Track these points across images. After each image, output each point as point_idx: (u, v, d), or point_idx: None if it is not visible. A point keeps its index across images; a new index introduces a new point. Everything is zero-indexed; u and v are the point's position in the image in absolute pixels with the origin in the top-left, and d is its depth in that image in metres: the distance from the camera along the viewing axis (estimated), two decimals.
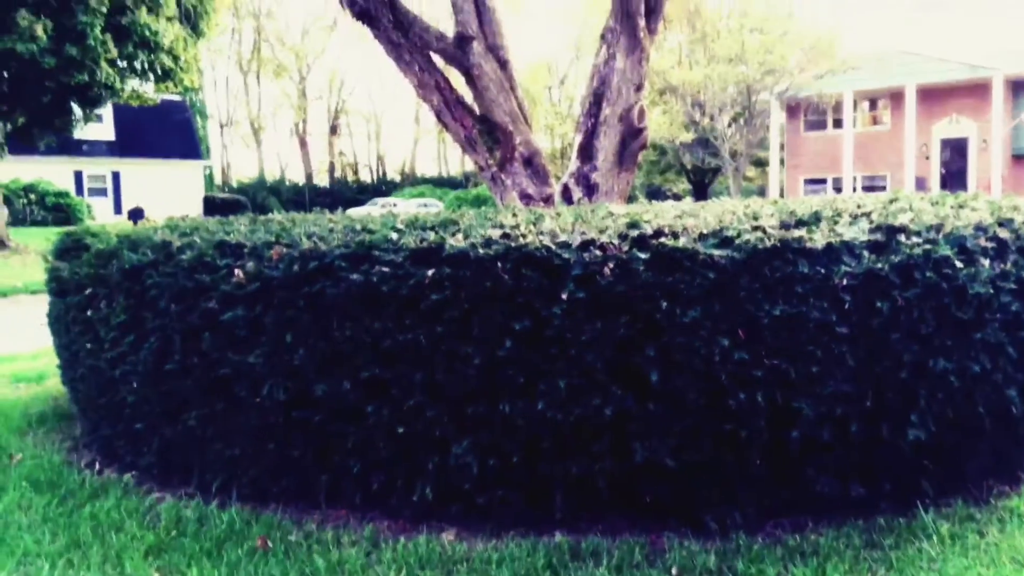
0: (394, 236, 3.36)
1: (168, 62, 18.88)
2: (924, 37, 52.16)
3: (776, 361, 3.04)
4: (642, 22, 5.98)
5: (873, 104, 30.89)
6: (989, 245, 3.31)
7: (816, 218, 3.34)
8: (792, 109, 31.65)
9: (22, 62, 16.26)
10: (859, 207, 3.55)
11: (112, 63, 17.71)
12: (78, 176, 35.71)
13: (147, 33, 17.56)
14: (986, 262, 3.25)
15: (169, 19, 18.08)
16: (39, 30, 15.60)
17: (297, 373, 3.37)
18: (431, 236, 3.31)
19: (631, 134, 6.19)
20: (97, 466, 4.17)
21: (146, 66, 19.18)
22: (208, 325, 3.50)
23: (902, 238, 3.19)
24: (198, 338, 3.54)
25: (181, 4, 18.54)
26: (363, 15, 6.29)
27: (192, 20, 19.17)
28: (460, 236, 3.27)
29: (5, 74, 17.40)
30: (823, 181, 31.22)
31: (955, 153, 29.01)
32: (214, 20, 20.23)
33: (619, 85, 6.13)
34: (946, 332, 3.17)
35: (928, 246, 3.16)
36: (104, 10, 16.45)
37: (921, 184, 28.00)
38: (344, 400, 3.30)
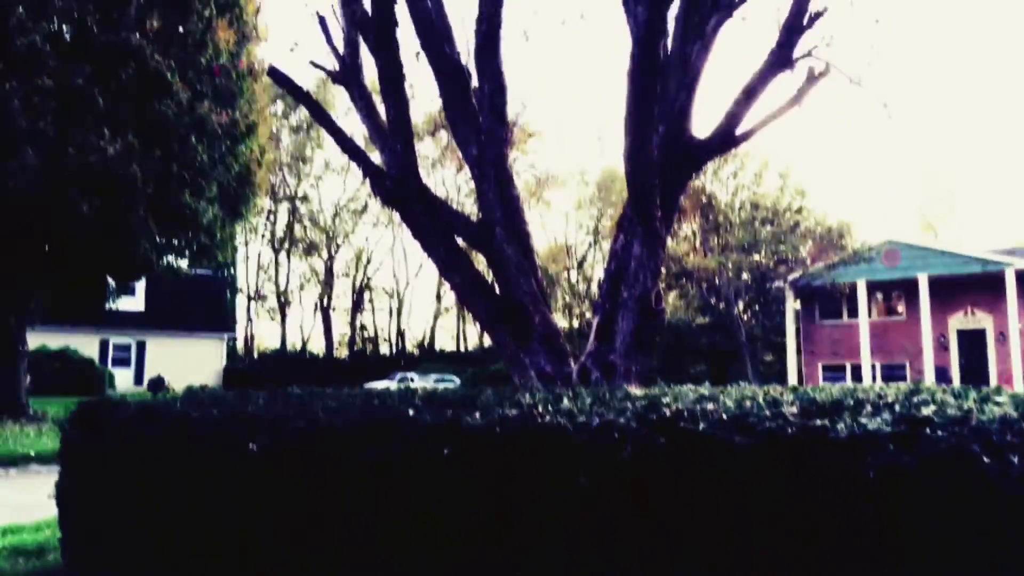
0: (411, 412, 3.36)
1: (205, 240, 19.75)
2: (936, 226, 53.84)
3: (802, 555, 2.90)
4: (658, 212, 6.26)
5: (887, 294, 31.33)
6: (1016, 441, 3.24)
7: (838, 408, 3.32)
8: (807, 297, 32.17)
9: (65, 237, 17.08)
10: (880, 398, 3.53)
11: (151, 239, 18.56)
12: (104, 345, 36.41)
13: (187, 213, 18.50)
14: (1015, 459, 3.17)
15: (210, 200, 19.11)
16: (85, 208, 16.49)
17: (309, 548, 3.26)
18: (448, 413, 3.31)
19: (648, 317, 6.29)
20: None
21: (183, 243, 20.06)
22: (221, 499, 3.43)
23: (927, 431, 3.14)
24: (210, 512, 3.46)
25: (223, 187, 19.65)
26: (393, 201, 6.66)
27: (232, 203, 20.25)
28: (478, 414, 3.26)
29: (47, 247, 18.23)
30: (842, 368, 31.11)
31: (973, 344, 29.01)
32: (253, 203, 21.35)
33: (636, 270, 6.31)
34: (980, 530, 3.04)
35: (954, 440, 3.10)
36: (149, 191, 17.47)
37: (942, 375, 27.80)
38: None
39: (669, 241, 6.72)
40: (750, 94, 6.51)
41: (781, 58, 6.45)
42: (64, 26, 17.40)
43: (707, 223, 32.20)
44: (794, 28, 6.40)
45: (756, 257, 29.86)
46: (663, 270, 6.54)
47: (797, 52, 6.47)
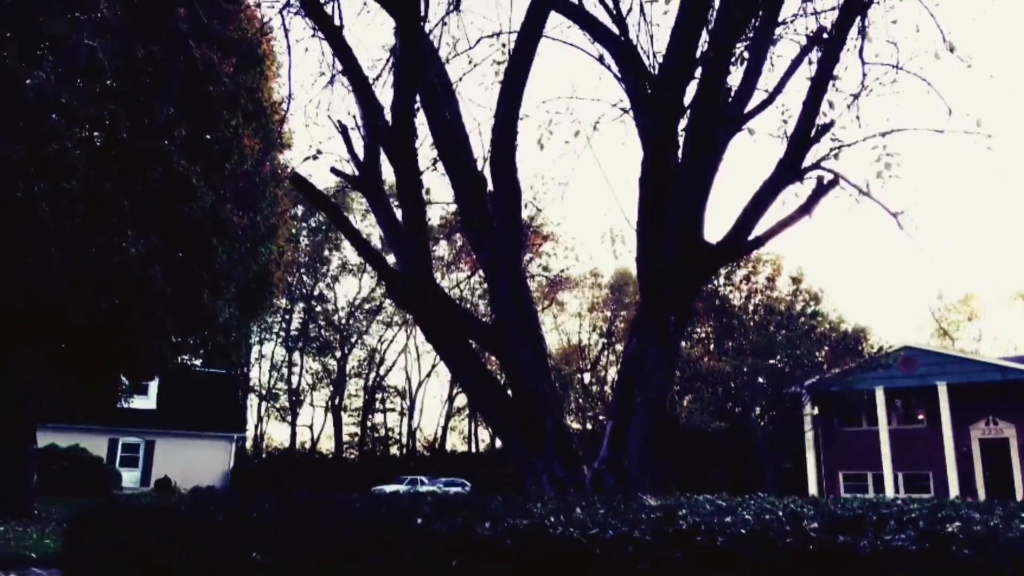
0: (419, 521, 3.29)
1: (220, 340, 19.83)
2: (951, 333, 53.33)
3: None
4: (671, 317, 6.26)
5: (907, 401, 30.71)
6: None
7: (860, 523, 3.21)
8: (825, 402, 31.59)
9: (82, 336, 17.21)
10: (903, 513, 3.42)
11: (167, 339, 18.65)
12: (113, 444, 36.09)
13: (205, 313, 18.65)
14: None
15: (227, 301, 19.29)
16: (104, 307, 16.67)
17: None
18: (459, 522, 3.23)
19: (663, 422, 6.20)
20: None
21: (199, 342, 20.14)
22: None
23: (953, 549, 3.02)
24: None
25: (241, 288, 19.85)
26: (408, 304, 6.72)
27: (249, 303, 20.42)
28: (488, 524, 3.18)
29: (63, 345, 18.35)
30: (863, 477, 30.23)
31: (996, 455, 28.19)
32: (270, 303, 21.52)
33: (650, 375, 6.27)
34: None
35: (982, 559, 2.98)
36: (169, 291, 17.68)
37: (966, 486, 26.94)
38: None
39: (683, 343, 6.70)
40: (760, 203, 6.62)
41: (790, 169, 6.59)
42: (95, 132, 18.09)
43: (720, 326, 32.12)
44: (802, 141, 6.56)
45: (772, 361, 29.57)
46: (677, 373, 6.50)
47: (805, 163, 6.61)
